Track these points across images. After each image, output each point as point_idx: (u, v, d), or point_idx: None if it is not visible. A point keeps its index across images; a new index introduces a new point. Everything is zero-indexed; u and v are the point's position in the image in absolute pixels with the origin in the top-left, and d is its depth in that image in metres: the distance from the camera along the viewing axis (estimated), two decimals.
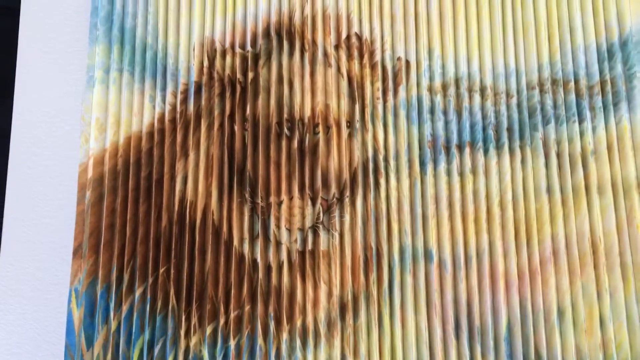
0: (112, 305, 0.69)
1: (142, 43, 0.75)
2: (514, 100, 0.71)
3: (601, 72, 0.71)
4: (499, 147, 0.70)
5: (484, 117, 0.71)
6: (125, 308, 0.69)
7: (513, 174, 0.70)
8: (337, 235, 0.69)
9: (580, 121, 0.70)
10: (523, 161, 0.70)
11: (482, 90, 0.71)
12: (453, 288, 0.67)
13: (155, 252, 0.69)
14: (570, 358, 0.65)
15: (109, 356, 0.67)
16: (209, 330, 0.68)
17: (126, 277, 0.69)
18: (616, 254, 0.67)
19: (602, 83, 0.71)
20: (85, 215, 0.71)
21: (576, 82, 0.71)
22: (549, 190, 0.69)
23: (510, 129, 0.71)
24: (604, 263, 0.67)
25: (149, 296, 0.69)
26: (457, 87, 0.72)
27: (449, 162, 0.70)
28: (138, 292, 0.69)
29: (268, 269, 0.69)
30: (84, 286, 0.69)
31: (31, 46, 0.78)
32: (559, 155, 0.70)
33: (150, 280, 0.69)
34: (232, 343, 0.67)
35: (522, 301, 0.67)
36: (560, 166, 0.69)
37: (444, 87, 0.72)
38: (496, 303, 0.67)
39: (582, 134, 0.70)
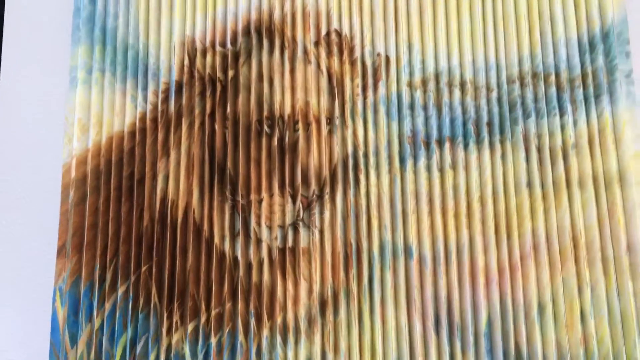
0: (95, 303, 0.69)
1: (124, 43, 0.75)
2: (494, 94, 0.71)
3: (582, 64, 0.71)
4: (479, 142, 0.70)
5: (464, 111, 0.71)
6: (108, 306, 0.69)
7: (493, 169, 0.69)
8: (317, 232, 0.69)
9: (562, 114, 0.70)
10: (503, 156, 0.69)
11: (462, 84, 0.71)
12: (433, 284, 0.67)
13: (137, 251, 0.70)
14: (550, 353, 0.65)
15: (93, 354, 0.68)
16: (190, 327, 0.68)
17: (109, 275, 0.70)
18: (597, 248, 0.66)
19: (584, 76, 0.70)
20: (68, 215, 0.71)
21: (557, 75, 0.71)
22: (530, 184, 0.69)
23: (490, 124, 0.70)
24: (585, 257, 0.66)
25: (131, 294, 0.69)
26: (437, 82, 0.71)
27: (428, 157, 0.70)
28: (121, 291, 0.69)
29: (249, 266, 0.69)
30: (68, 285, 0.70)
31: (15, 47, 0.78)
32: (539, 149, 0.69)
33: (132, 278, 0.69)
34: (213, 340, 0.67)
35: (502, 296, 0.66)
36: (540, 160, 0.69)
37: (424, 83, 0.71)
38: (476, 298, 0.67)
39: (563, 127, 0.69)
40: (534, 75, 0.71)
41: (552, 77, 0.70)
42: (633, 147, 0.68)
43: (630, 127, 0.69)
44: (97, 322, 0.69)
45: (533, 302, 0.66)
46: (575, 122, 0.70)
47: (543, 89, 0.70)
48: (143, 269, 0.69)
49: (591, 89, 0.70)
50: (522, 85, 0.71)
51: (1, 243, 0.74)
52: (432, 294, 0.67)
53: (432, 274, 0.67)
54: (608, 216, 0.67)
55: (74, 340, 0.69)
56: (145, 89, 0.74)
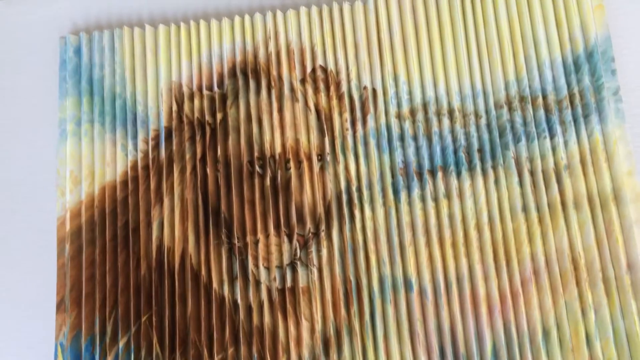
0: (97, 357, 0.69)
1: (111, 93, 0.75)
2: (482, 121, 0.71)
3: (569, 85, 0.71)
4: (471, 169, 0.70)
5: (454, 140, 0.71)
6: (110, 359, 0.69)
7: (487, 195, 0.69)
8: (315, 270, 0.69)
9: (552, 136, 0.70)
10: (497, 181, 0.69)
11: (450, 113, 0.71)
12: (435, 316, 0.67)
13: (136, 301, 0.70)
14: None
15: None
16: None
17: (109, 327, 0.69)
18: (598, 269, 0.66)
19: (571, 96, 0.71)
20: (65, 269, 0.71)
21: (544, 97, 0.71)
22: (525, 209, 0.68)
23: (481, 150, 0.70)
24: (586, 279, 0.66)
25: (132, 345, 0.69)
26: (425, 111, 0.71)
27: (422, 188, 0.70)
28: (122, 342, 0.69)
29: (249, 309, 0.68)
30: (69, 340, 0.69)
31: (3, 103, 0.79)
32: (532, 173, 0.69)
33: (133, 329, 0.69)
34: None
35: (506, 324, 0.66)
36: (534, 184, 0.69)
37: (412, 113, 0.72)
38: (480, 328, 0.66)
39: (554, 149, 0.69)
40: (521, 99, 0.71)
41: (540, 100, 0.71)
42: (626, 165, 0.68)
43: (622, 144, 0.69)
44: None
45: (537, 328, 0.65)
46: (566, 143, 0.69)
47: (531, 112, 0.70)
48: (143, 319, 0.69)
49: (579, 109, 0.70)
50: (510, 109, 0.71)
51: (1, 302, 0.74)
52: (435, 326, 0.67)
53: (434, 305, 0.67)
54: (606, 236, 0.67)
55: None
56: (135, 137, 0.74)
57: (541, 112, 0.70)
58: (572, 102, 0.70)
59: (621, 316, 0.65)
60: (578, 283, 0.66)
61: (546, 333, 0.65)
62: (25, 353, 0.72)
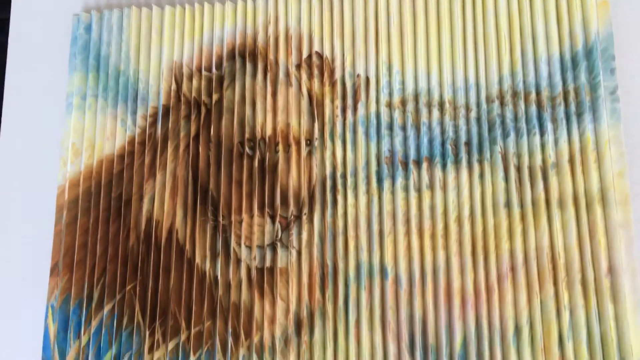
0: (83, 320, 0.72)
1: (116, 69, 0.78)
2: (473, 114, 0.70)
3: (564, 82, 0.69)
4: (457, 162, 0.69)
5: (442, 131, 0.70)
6: (94, 323, 0.72)
7: (471, 189, 0.69)
8: (294, 252, 0.70)
9: (542, 133, 0.68)
10: (481, 175, 0.69)
11: (441, 104, 0.71)
12: (408, 305, 0.67)
13: (123, 270, 0.72)
14: None
15: None
16: (171, 345, 0.70)
17: (96, 293, 0.72)
18: (577, 270, 0.65)
19: (565, 93, 0.69)
20: (61, 235, 0.75)
21: (538, 93, 0.70)
22: (508, 204, 0.68)
23: (468, 143, 0.70)
24: (564, 279, 0.65)
25: (116, 312, 0.72)
26: (416, 102, 0.71)
27: (406, 177, 0.70)
28: (107, 309, 0.72)
29: (228, 286, 0.70)
30: (59, 302, 0.73)
31: (17, 76, 0.83)
32: (518, 169, 0.68)
33: (118, 297, 0.72)
34: (192, 358, 0.69)
35: (478, 318, 0.65)
36: (520, 180, 0.68)
37: (403, 103, 0.72)
38: (451, 320, 0.66)
39: (543, 146, 0.68)
40: (514, 94, 0.70)
41: (533, 96, 0.69)
42: (617, 166, 0.66)
43: (615, 145, 0.67)
44: (84, 339, 0.71)
45: (509, 325, 0.65)
46: (556, 141, 0.68)
47: (523, 107, 0.69)
48: (128, 287, 0.72)
49: (573, 107, 0.68)
50: (502, 104, 0.70)
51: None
52: (407, 315, 0.67)
53: (408, 294, 0.67)
54: (589, 237, 0.65)
55: (62, 356, 0.71)
56: (134, 113, 0.77)
57: (533, 108, 0.69)
58: (566, 100, 0.69)
59: (597, 319, 0.64)
60: (555, 282, 0.65)
61: (518, 330, 0.65)
62: (22, 312, 0.76)
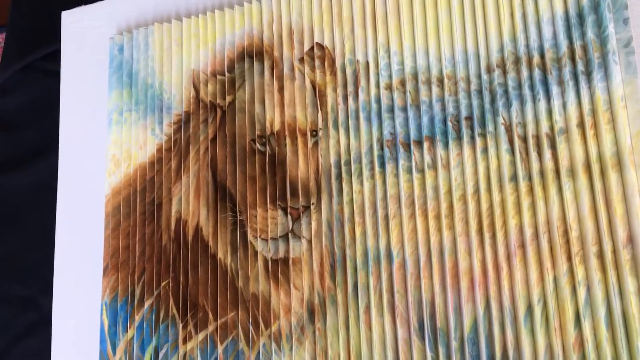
0: (129, 316, 0.79)
1: (145, 84, 0.85)
2: (473, 87, 0.67)
3: (570, 41, 0.64)
4: (459, 138, 0.67)
5: (443, 108, 0.68)
6: (137, 318, 0.78)
7: (475, 165, 0.66)
8: (304, 241, 0.71)
9: (548, 99, 0.64)
10: (485, 150, 0.65)
11: (441, 80, 0.69)
12: (416, 289, 0.66)
13: (158, 268, 0.78)
14: (541, 359, 0.60)
15: None
16: (201, 336, 0.74)
17: (138, 291, 0.79)
18: (592, 242, 0.60)
19: (572, 52, 0.64)
20: (109, 240, 0.82)
21: (542, 56, 0.65)
22: (514, 178, 0.64)
23: (470, 118, 0.67)
24: (578, 253, 0.60)
25: (155, 307, 0.78)
26: (415, 80, 0.70)
27: (409, 159, 0.68)
28: (147, 304, 0.78)
29: (247, 278, 0.73)
30: (110, 300, 0.80)
31: (70, 98, 0.92)
32: (524, 139, 0.64)
33: (155, 293, 0.78)
34: (220, 348, 0.73)
35: (487, 299, 0.63)
36: (526, 151, 0.64)
37: (402, 83, 0.70)
38: (460, 302, 0.64)
39: (549, 112, 0.64)
40: (516, 60, 0.66)
41: (536, 59, 0.65)
42: (635, 125, 0.60)
43: (632, 102, 0.61)
44: (130, 333, 0.78)
45: (520, 305, 0.61)
46: (563, 105, 0.63)
47: (526, 73, 0.65)
48: (163, 284, 0.78)
49: (580, 66, 0.63)
50: (504, 72, 0.66)
51: (70, 271, 0.87)
52: (415, 299, 0.66)
53: (414, 278, 0.66)
54: (604, 206, 0.60)
55: (114, 349, 0.79)
56: (161, 122, 0.82)
57: (537, 73, 0.65)
58: (573, 60, 0.64)
59: (616, 294, 0.58)
60: (569, 257, 0.61)
61: (530, 310, 0.61)
62: (81, 310, 0.85)
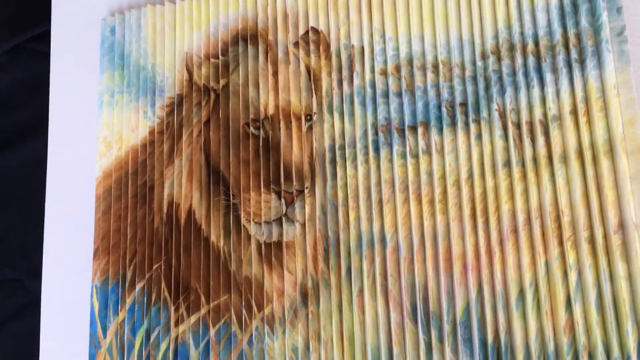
0: (119, 299, 0.79)
1: (137, 66, 0.84)
2: (468, 73, 0.67)
3: (564, 28, 0.65)
4: (454, 124, 0.67)
5: (437, 94, 0.68)
6: (129, 301, 0.78)
7: (469, 151, 0.66)
8: (298, 225, 0.72)
9: (541, 86, 0.64)
10: (479, 136, 0.66)
11: (435, 66, 0.69)
12: (410, 273, 0.66)
13: (150, 251, 0.78)
14: (532, 342, 0.61)
15: (119, 343, 0.77)
16: (193, 319, 0.74)
17: (129, 274, 0.79)
18: (583, 227, 0.61)
19: (566, 40, 0.64)
20: (100, 222, 0.82)
21: (536, 44, 0.66)
22: (508, 163, 0.65)
23: (464, 104, 0.67)
24: (569, 238, 0.61)
25: (146, 290, 0.77)
26: (410, 66, 0.70)
27: (403, 145, 0.69)
28: (138, 287, 0.78)
29: (240, 261, 0.74)
30: (100, 283, 0.80)
31: (60, 79, 0.91)
32: (518, 126, 0.65)
33: (147, 276, 0.78)
34: (212, 331, 0.73)
35: (480, 283, 0.63)
36: (519, 137, 0.65)
37: (397, 69, 0.70)
38: (452, 286, 0.64)
39: (543, 99, 0.64)
40: (511, 47, 0.66)
41: (530, 47, 0.65)
42: (628, 113, 0.61)
43: (624, 90, 0.62)
44: (121, 316, 0.78)
45: (512, 288, 0.62)
46: (557, 92, 0.64)
47: (520, 60, 0.65)
48: (155, 267, 0.77)
49: (574, 54, 0.64)
50: (498, 59, 0.67)
51: (60, 250, 0.87)
52: (408, 283, 0.66)
53: (408, 262, 0.67)
54: (596, 192, 0.61)
55: (105, 331, 0.79)
56: (153, 105, 0.82)
57: (531, 60, 0.65)
58: (566, 47, 0.64)
59: (607, 279, 0.59)
60: (560, 242, 0.62)
61: (522, 294, 0.62)
62: (72, 292, 0.84)
